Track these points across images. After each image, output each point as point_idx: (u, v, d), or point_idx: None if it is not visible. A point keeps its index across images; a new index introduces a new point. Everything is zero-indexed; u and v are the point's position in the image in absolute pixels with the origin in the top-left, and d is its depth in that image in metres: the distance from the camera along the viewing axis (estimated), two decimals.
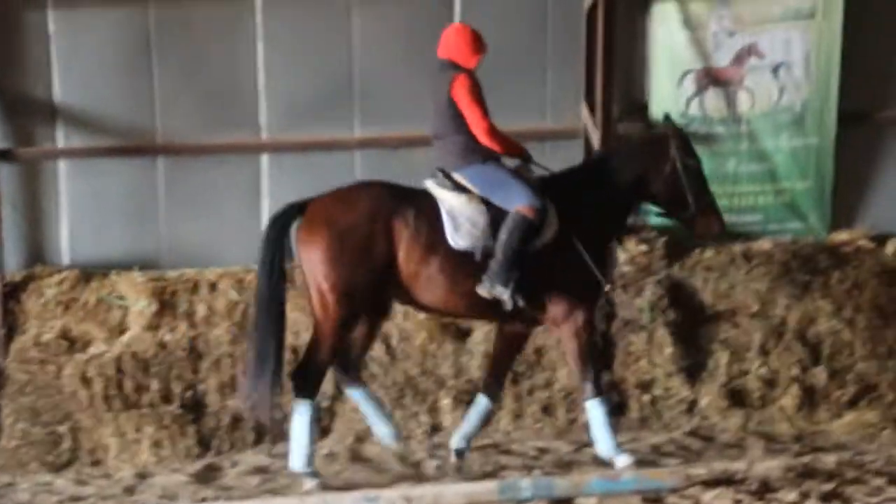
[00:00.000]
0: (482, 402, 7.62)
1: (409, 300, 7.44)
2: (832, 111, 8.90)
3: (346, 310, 7.19)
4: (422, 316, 8.51)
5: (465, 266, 7.25)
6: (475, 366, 8.57)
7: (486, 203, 7.35)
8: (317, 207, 7.32)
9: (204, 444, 8.46)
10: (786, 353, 8.69)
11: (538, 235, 7.28)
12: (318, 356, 7.22)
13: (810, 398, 8.58)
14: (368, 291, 7.23)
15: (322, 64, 8.84)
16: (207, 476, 7.92)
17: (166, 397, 8.49)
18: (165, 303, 8.69)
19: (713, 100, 8.90)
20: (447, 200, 7.36)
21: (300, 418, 7.18)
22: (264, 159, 9.03)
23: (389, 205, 7.30)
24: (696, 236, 7.91)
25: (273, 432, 8.24)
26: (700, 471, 7.28)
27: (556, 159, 8.66)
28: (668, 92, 8.95)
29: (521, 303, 7.20)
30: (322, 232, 7.21)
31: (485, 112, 7.35)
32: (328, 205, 7.33)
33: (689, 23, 8.68)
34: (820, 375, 8.62)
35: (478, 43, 7.48)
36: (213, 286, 8.77)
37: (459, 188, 7.41)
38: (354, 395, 7.52)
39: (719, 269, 8.87)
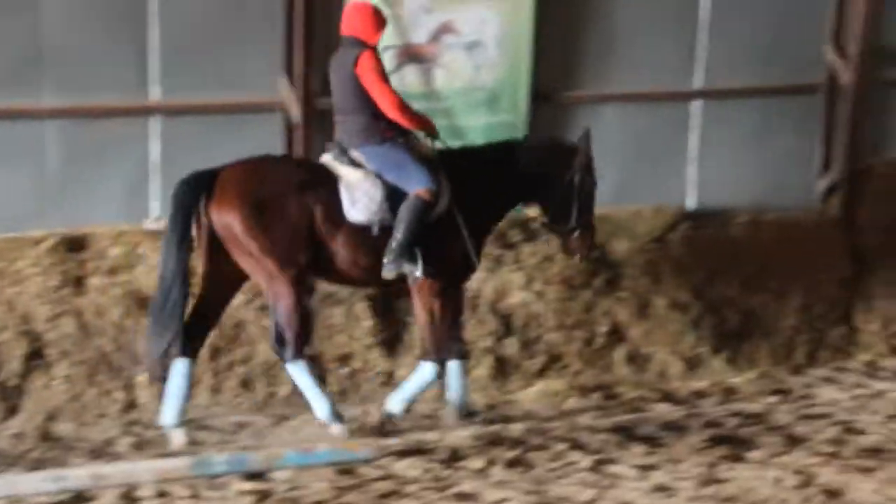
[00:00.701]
0: (451, 365, 7.91)
1: (319, 270, 7.68)
2: (524, 90, 9.14)
3: (291, 267, 7.48)
4: (116, 291, 8.34)
5: (364, 239, 7.57)
6: None
7: (382, 178, 7.60)
8: (230, 180, 7.49)
9: None
10: (480, 325, 8.94)
11: (431, 212, 7.58)
12: (284, 319, 7.50)
13: (502, 368, 8.87)
14: (302, 248, 7.48)
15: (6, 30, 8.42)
16: None
17: None
18: None
19: (411, 76, 9.01)
20: (345, 176, 7.61)
21: (303, 379, 7.57)
22: None
23: (302, 179, 7.56)
24: (564, 251, 8.21)
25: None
26: (393, 441, 7.44)
27: (254, 133, 8.68)
28: None
29: (432, 272, 7.57)
30: (238, 203, 7.40)
31: (391, 88, 7.56)
32: (241, 177, 7.52)
33: None
34: (511, 346, 8.92)
35: (380, 19, 7.70)
36: None
37: (356, 164, 7.65)
38: (179, 365, 7.55)
39: None
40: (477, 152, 8.06)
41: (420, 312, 7.85)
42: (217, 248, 7.54)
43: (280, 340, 7.56)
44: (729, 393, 8.75)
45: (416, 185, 7.56)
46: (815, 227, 9.86)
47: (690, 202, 9.83)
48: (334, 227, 7.54)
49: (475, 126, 9.14)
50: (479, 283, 8.87)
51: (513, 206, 8.09)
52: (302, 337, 7.58)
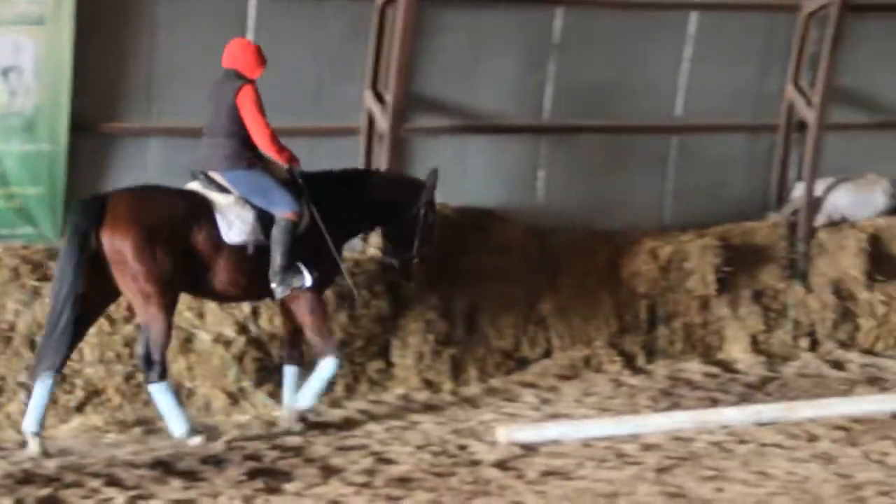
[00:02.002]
0: (289, 370, 8.82)
1: (197, 291, 8.53)
2: (63, 118, 8.90)
3: (167, 295, 8.13)
4: None
5: (241, 259, 8.31)
6: None
7: (249, 202, 8.35)
8: (120, 206, 8.09)
9: None
10: (15, 358, 8.59)
11: (297, 229, 8.36)
12: (155, 342, 8.13)
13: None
14: (179, 278, 8.17)
15: None
16: None
17: None
18: None
19: None
20: (216, 201, 8.31)
21: (162, 396, 8.20)
22: None
23: (183, 206, 8.22)
24: (402, 276, 9.24)
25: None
26: None
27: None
28: None
29: (317, 275, 8.38)
30: (132, 229, 8.01)
31: (266, 121, 8.30)
32: (131, 204, 8.14)
33: None
34: None
35: (261, 56, 8.48)
36: None
37: (223, 189, 8.36)
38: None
39: None
40: (332, 177, 8.82)
41: (305, 317, 8.58)
42: (99, 269, 8.03)
43: (148, 362, 8.15)
44: (270, 426, 8.84)
45: (283, 209, 8.33)
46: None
47: None
48: (215, 249, 8.23)
49: (11, 153, 8.83)
50: (13, 315, 8.54)
51: (362, 228, 9.17)
52: (166, 359, 8.26)
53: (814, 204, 11.61)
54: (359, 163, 10.11)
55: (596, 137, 11.27)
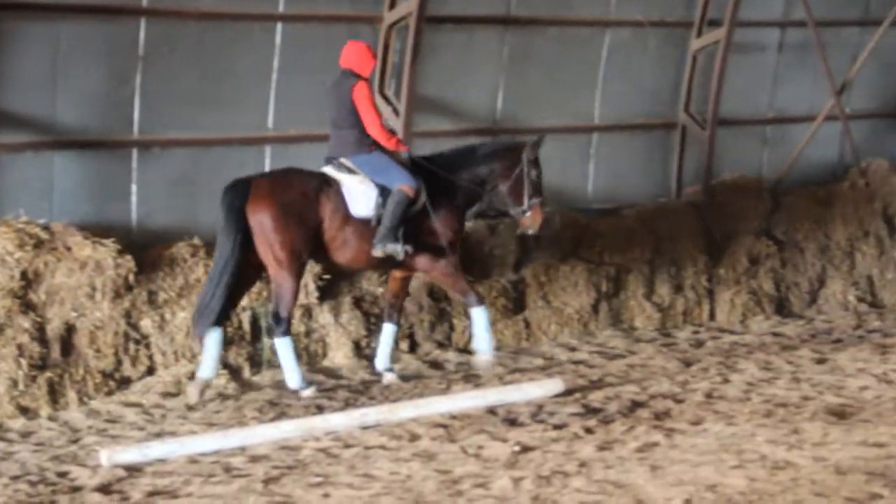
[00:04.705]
0: (389, 328, 10.35)
1: (325, 260, 10.07)
2: None
3: (296, 262, 9.66)
4: None
5: (366, 231, 9.79)
6: None
7: (373, 181, 9.81)
8: (262, 186, 9.70)
9: None
10: None
11: (414, 205, 9.84)
12: (284, 301, 9.62)
13: None
14: (308, 247, 9.72)
15: None
16: None
17: None
18: None
19: None
20: (345, 182, 9.84)
21: (285, 350, 9.70)
22: None
23: (314, 185, 9.76)
24: (521, 227, 10.61)
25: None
26: None
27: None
28: None
29: (410, 251, 9.77)
30: (271, 205, 9.58)
31: (378, 113, 9.90)
32: (271, 184, 9.74)
33: None
34: None
35: (373, 56, 10.12)
36: None
37: (351, 171, 9.85)
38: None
39: None
40: (445, 156, 10.38)
41: (443, 280, 10.39)
42: (249, 240, 9.60)
43: (276, 318, 9.63)
44: None
45: (400, 183, 9.75)
46: None
47: None
48: (343, 223, 9.73)
49: None
50: None
51: (481, 194, 10.39)
52: (292, 317, 9.79)
53: None
54: None
55: (188, 150, 11.16)
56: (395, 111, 11.80)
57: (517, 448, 7.66)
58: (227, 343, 10.55)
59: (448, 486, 6.92)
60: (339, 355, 11.17)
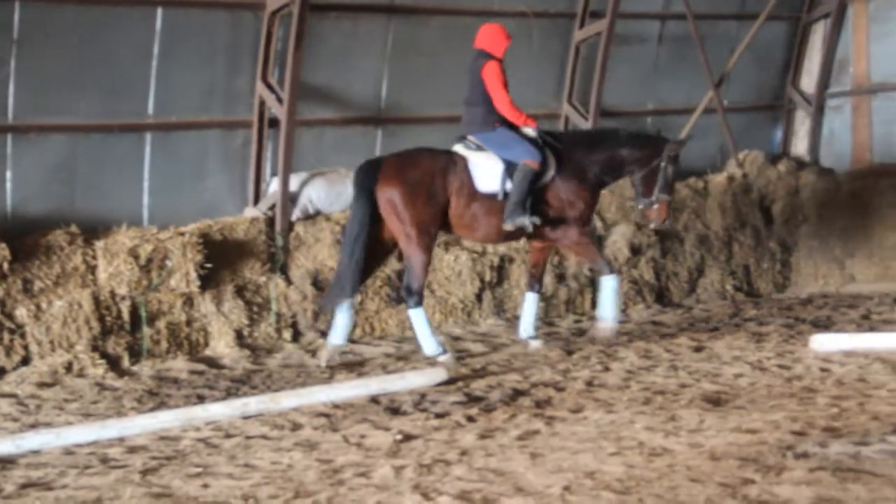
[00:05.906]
0: (531, 296, 10.77)
1: (456, 232, 10.42)
2: None
3: (426, 237, 10.04)
4: None
5: (493, 204, 10.16)
6: None
7: (499, 156, 10.15)
8: (392, 165, 10.10)
9: None
10: None
11: (541, 179, 10.18)
12: (415, 274, 10.03)
13: None
14: (436, 223, 10.09)
15: None
16: None
17: None
18: None
19: None
20: (472, 158, 10.21)
21: (419, 319, 10.06)
22: None
23: (442, 163, 10.14)
24: (644, 219, 11.64)
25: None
26: None
27: None
28: None
29: (538, 222, 10.12)
30: (400, 183, 9.98)
31: (507, 91, 10.14)
32: (400, 163, 10.11)
33: None
34: None
35: (507, 36, 10.29)
36: None
37: (479, 148, 10.22)
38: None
39: None
40: (575, 136, 11.29)
41: (576, 250, 10.77)
42: (380, 218, 10.04)
43: (409, 290, 10.03)
44: None
45: (526, 158, 10.06)
46: None
47: None
48: (471, 198, 10.11)
49: None
50: None
51: (612, 178, 10.76)
52: (423, 289, 10.15)
53: (289, 198, 11.91)
54: None
55: (65, 136, 10.94)
56: (279, 99, 11.72)
57: (399, 437, 7.66)
58: (104, 334, 10.41)
59: (329, 476, 6.89)
60: (221, 344, 11.08)
